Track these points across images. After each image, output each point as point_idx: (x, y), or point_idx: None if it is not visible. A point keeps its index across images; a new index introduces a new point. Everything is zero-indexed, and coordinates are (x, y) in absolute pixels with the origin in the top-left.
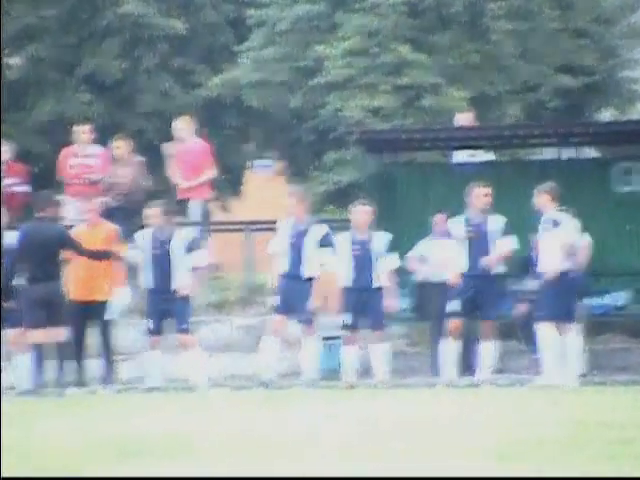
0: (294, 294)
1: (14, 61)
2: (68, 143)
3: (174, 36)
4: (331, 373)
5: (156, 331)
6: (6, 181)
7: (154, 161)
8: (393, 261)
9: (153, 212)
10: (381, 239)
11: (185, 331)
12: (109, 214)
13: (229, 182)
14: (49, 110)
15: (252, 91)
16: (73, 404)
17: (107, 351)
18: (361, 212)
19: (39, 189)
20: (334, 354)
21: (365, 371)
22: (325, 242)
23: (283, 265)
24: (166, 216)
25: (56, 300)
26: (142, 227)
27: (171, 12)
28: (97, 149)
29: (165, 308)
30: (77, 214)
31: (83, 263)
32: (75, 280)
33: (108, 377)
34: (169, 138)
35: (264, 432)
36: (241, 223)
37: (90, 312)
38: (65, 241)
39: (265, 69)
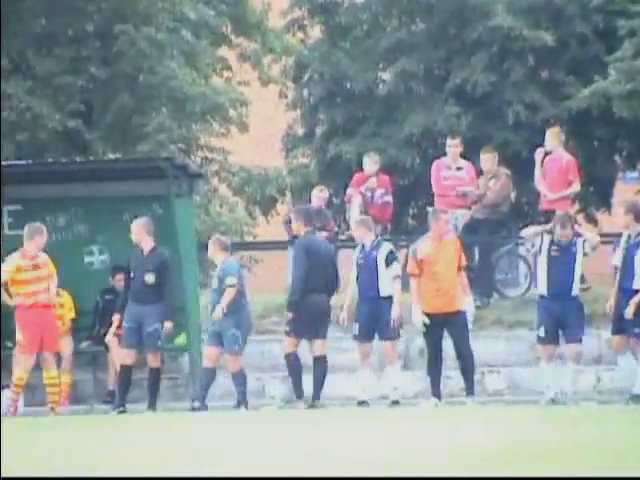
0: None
1: (386, 76)
2: (437, 156)
3: (542, 48)
4: None
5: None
6: (377, 192)
7: (521, 173)
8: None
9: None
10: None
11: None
12: (475, 226)
13: (597, 194)
14: (418, 123)
15: (622, 102)
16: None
17: (466, 362)
18: None
19: (407, 201)
20: None
21: None
22: None
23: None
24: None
25: (328, 313)
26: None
27: (540, 24)
28: (465, 162)
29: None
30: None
31: (435, 275)
32: (429, 292)
33: (469, 388)
34: (536, 150)
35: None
36: (609, 235)
37: (447, 323)
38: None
39: (636, 79)
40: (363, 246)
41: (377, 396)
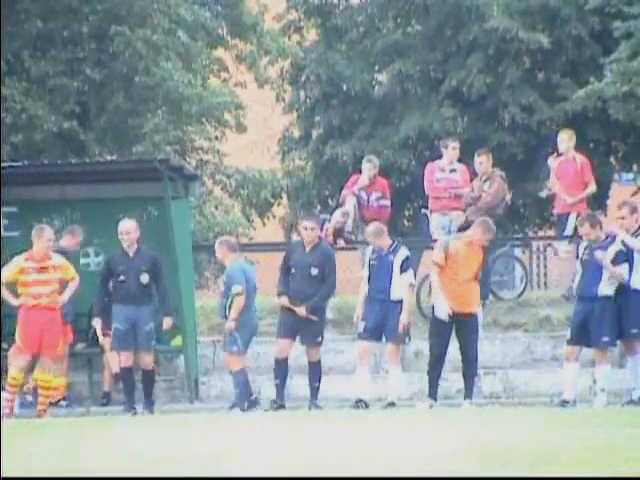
0: None
1: (382, 77)
2: (433, 158)
3: (538, 50)
4: None
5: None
6: (372, 195)
7: (516, 175)
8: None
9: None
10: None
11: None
12: (468, 229)
13: (593, 195)
14: (414, 125)
15: (618, 104)
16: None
17: (469, 364)
18: None
19: (403, 203)
20: None
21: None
22: None
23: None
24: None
25: None
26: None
27: (535, 26)
28: (458, 164)
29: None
30: (441, 228)
31: (455, 277)
32: (445, 291)
33: (468, 390)
34: (532, 152)
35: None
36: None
37: (461, 325)
38: None
39: (632, 81)
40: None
41: (374, 397)
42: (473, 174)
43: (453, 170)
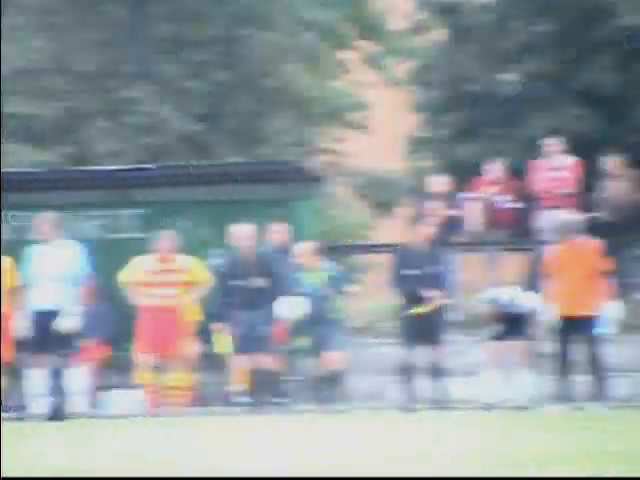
0: None
1: (510, 77)
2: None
3: None
4: None
5: None
6: (502, 198)
7: None
8: None
9: None
10: None
11: None
12: (598, 229)
13: None
14: (543, 125)
15: None
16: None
17: (596, 367)
18: None
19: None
20: None
21: None
22: None
23: None
24: None
25: None
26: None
27: None
28: (567, 161)
29: None
30: (550, 227)
31: (569, 278)
32: (561, 295)
33: (598, 394)
34: None
35: None
36: None
37: (577, 327)
38: None
39: None
40: None
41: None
42: (602, 174)
43: (558, 168)
